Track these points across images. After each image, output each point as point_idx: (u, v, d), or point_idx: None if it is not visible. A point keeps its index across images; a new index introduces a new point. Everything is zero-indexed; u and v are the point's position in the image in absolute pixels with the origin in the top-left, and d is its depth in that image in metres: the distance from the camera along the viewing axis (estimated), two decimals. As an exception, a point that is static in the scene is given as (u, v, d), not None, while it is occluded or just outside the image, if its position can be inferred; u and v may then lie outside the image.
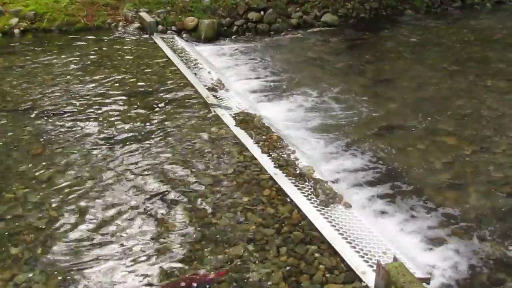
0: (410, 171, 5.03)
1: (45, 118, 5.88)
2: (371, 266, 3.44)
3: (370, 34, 10.64)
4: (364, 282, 3.33)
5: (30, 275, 3.38)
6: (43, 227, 3.88)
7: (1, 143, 5.25)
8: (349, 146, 5.51)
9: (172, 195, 4.33)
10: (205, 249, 3.65)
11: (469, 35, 10.65)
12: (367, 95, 7.04)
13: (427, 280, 3.29)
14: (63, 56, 8.24)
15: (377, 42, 10.28)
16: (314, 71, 8.24)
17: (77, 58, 8.16)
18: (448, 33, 10.74)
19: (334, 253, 3.60)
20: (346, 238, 3.74)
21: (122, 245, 3.70)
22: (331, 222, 3.93)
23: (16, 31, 9.61)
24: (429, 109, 6.58)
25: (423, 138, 5.78)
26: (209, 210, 4.11)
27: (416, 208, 4.41)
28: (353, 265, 3.47)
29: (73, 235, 3.79)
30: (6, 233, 3.80)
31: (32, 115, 5.93)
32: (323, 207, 4.12)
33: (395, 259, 3.23)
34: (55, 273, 3.41)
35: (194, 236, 3.80)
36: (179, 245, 3.70)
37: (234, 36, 10.27)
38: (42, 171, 4.69)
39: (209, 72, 7.61)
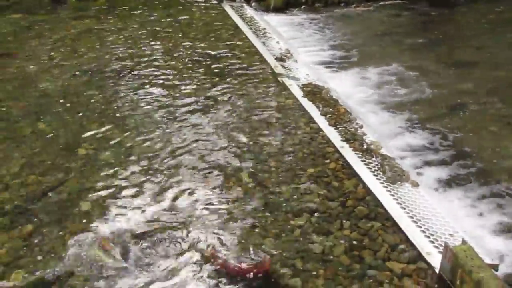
0: (481, 153, 4.83)
1: (116, 80, 6.09)
2: (437, 248, 3.37)
3: (444, 9, 10.14)
4: (429, 263, 3.27)
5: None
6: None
7: (76, 103, 5.48)
8: (418, 123, 5.35)
9: (236, 163, 4.38)
10: (268, 218, 3.69)
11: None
12: (439, 72, 6.77)
13: (496, 267, 3.17)
14: (133, 21, 8.42)
15: (451, 18, 9.81)
16: (384, 46, 8.00)
17: (147, 24, 8.30)
18: (532, 10, 10.09)
19: (399, 231, 3.54)
20: (412, 217, 3.67)
21: (183, 209, 3.81)
22: (397, 200, 3.86)
23: (89, -5, 9.87)
24: (505, 91, 6.25)
25: (497, 120, 5.51)
26: (274, 179, 4.13)
27: (486, 192, 4.24)
28: (418, 245, 3.40)
29: (141, 196, 3.95)
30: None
31: (104, 77, 6.15)
32: (389, 184, 4.05)
33: (463, 242, 3.14)
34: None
35: (258, 204, 3.84)
36: (243, 213, 3.75)
37: (303, 6, 10.07)
38: (111, 131, 4.89)
39: (277, 42, 7.55)
